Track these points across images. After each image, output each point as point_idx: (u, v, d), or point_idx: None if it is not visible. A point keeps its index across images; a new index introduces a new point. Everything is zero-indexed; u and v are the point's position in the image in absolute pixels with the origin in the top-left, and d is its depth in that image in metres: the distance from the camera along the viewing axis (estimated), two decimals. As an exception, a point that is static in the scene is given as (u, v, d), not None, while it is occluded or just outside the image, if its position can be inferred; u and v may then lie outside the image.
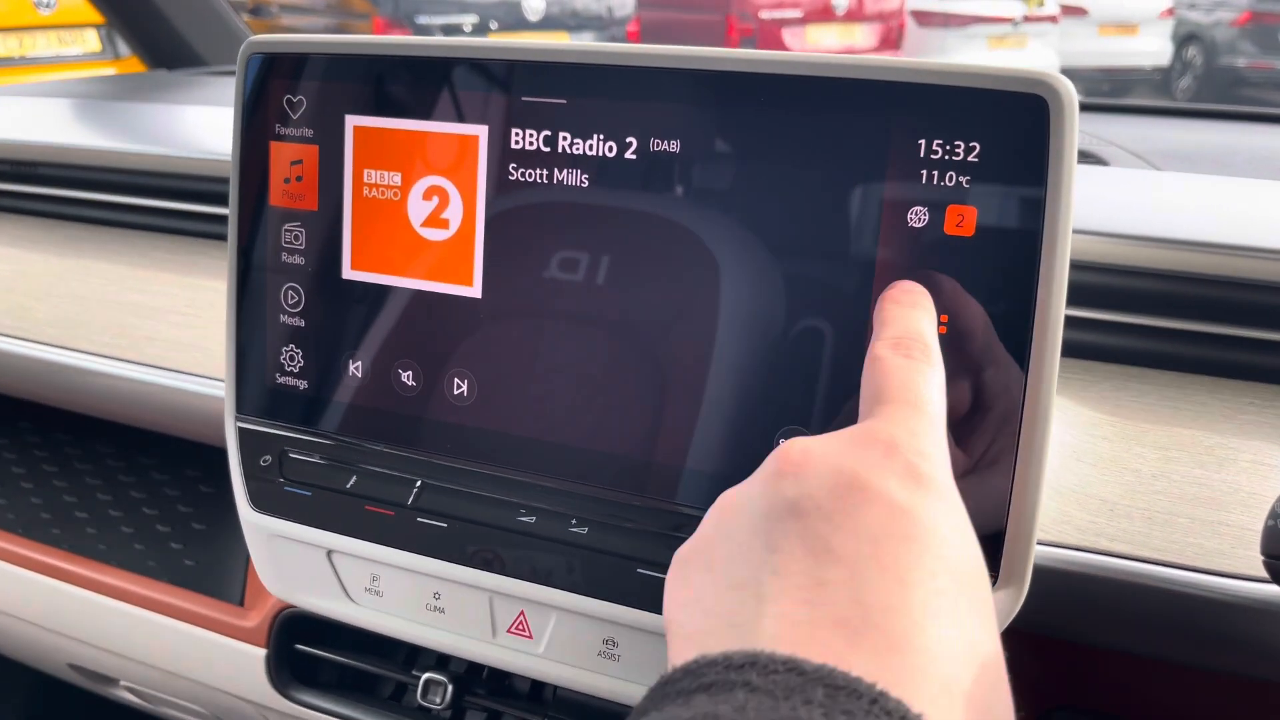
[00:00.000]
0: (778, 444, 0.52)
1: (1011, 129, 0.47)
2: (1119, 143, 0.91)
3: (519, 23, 6.09)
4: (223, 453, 0.67)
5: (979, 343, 0.48)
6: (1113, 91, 8.06)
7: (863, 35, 6.93)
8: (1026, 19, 7.28)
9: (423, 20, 5.90)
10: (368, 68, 0.59)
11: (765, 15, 6.64)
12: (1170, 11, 8.05)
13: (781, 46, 6.68)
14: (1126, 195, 0.76)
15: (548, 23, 6.16)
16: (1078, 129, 0.46)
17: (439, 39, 0.58)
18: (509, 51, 0.56)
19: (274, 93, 0.61)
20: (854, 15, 6.86)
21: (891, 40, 7.01)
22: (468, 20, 5.98)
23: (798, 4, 6.71)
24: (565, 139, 0.55)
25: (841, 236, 0.50)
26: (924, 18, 7.14)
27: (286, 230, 0.62)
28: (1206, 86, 8.07)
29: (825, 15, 6.79)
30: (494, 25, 6.05)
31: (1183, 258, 0.65)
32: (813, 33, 6.78)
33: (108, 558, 0.92)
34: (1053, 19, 7.45)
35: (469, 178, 0.57)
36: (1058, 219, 0.47)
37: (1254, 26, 8.05)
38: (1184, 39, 8.20)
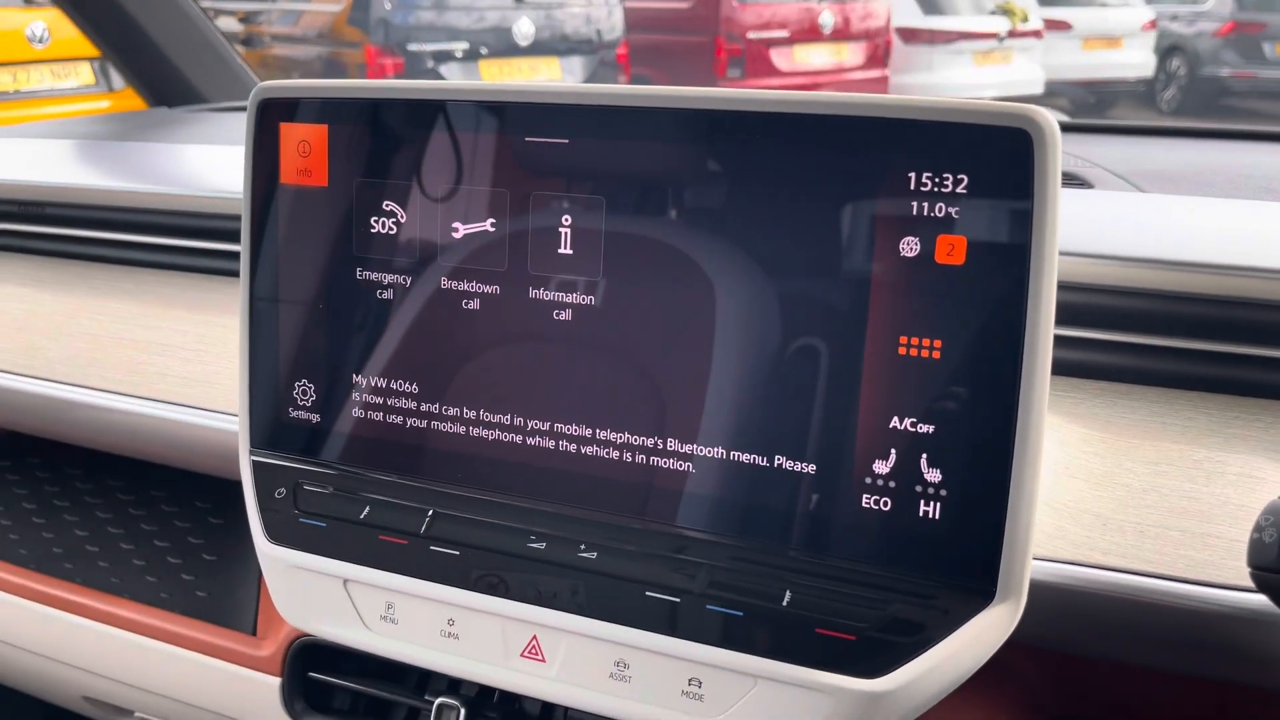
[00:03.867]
0: (777, 465, 0.54)
1: (997, 161, 0.49)
2: (1103, 164, 0.93)
3: (509, 48, 6.13)
4: (231, 483, 0.69)
5: (972, 366, 0.50)
6: (1098, 104, 8.12)
7: (850, 54, 6.99)
8: (1011, 34, 7.34)
9: (414, 47, 5.94)
10: (374, 111, 0.61)
11: (753, 36, 6.69)
12: (1153, 24, 8.12)
13: (769, 67, 6.73)
14: (1111, 217, 0.78)
15: (537, 48, 6.20)
16: (1061, 159, 0.48)
17: (441, 83, 0.60)
18: (512, 94, 0.58)
19: (282, 136, 0.63)
20: (840, 34, 6.92)
21: (878, 58, 7.07)
22: (459, 47, 6.02)
23: (785, 24, 6.76)
24: (567, 177, 0.57)
25: (837, 267, 0.52)
26: (909, 35, 7.20)
27: (296, 269, 0.64)
28: (1191, 97, 8.13)
29: (812, 34, 6.84)
30: (484, 51, 6.09)
31: (1168, 277, 0.67)
32: (800, 52, 6.83)
33: (120, 590, 0.94)
34: (1037, 34, 7.51)
35: (469, 213, 0.59)
36: (1044, 246, 0.49)
37: (1236, 36, 8.13)
38: (1167, 50, 8.27)
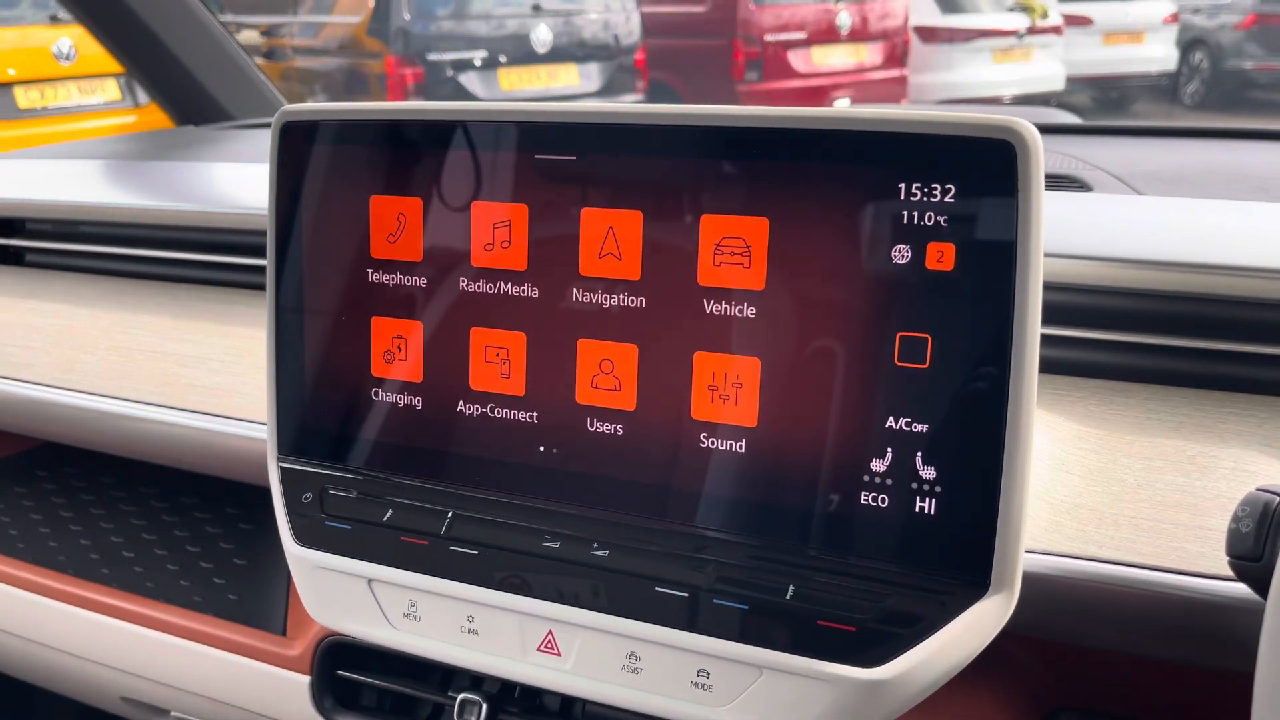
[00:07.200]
0: (780, 464, 0.56)
1: (982, 171, 0.51)
2: (1104, 166, 0.95)
3: (528, 55, 6.18)
4: (260, 490, 0.72)
5: (963, 368, 0.52)
6: (1120, 99, 8.07)
7: (868, 54, 6.98)
8: (1031, 31, 7.31)
9: (433, 57, 6.00)
10: (389, 132, 0.64)
11: (770, 38, 6.70)
12: (1174, 17, 8.07)
13: (787, 69, 6.74)
14: (1108, 219, 0.80)
15: (556, 54, 6.24)
16: (1043, 168, 0.51)
17: (453, 105, 0.63)
18: (519, 115, 0.61)
19: (304, 157, 0.66)
20: (858, 35, 6.91)
21: (896, 58, 7.06)
22: (477, 55, 6.07)
23: (802, 26, 6.77)
24: (574, 189, 0.59)
25: (832, 275, 0.54)
26: (928, 34, 7.19)
27: (320, 283, 0.67)
28: (1214, 91, 8.08)
29: (830, 36, 6.84)
30: (503, 59, 6.14)
31: (1162, 277, 0.69)
32: (818, 54, 6.84)
33: (155, 594, 0.97)
34: (1057, 30, 7.48)
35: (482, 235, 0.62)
36: (1029, 252, 0.51)
37: (1259, 28, 8.07)
38: (1189, 44, 8.22)
